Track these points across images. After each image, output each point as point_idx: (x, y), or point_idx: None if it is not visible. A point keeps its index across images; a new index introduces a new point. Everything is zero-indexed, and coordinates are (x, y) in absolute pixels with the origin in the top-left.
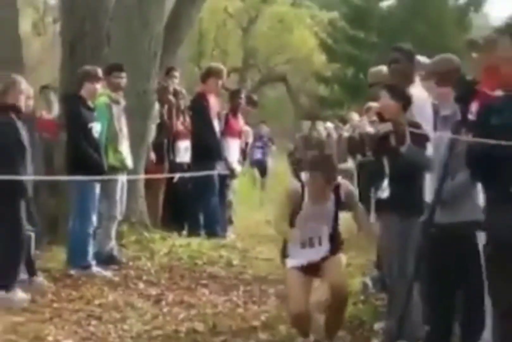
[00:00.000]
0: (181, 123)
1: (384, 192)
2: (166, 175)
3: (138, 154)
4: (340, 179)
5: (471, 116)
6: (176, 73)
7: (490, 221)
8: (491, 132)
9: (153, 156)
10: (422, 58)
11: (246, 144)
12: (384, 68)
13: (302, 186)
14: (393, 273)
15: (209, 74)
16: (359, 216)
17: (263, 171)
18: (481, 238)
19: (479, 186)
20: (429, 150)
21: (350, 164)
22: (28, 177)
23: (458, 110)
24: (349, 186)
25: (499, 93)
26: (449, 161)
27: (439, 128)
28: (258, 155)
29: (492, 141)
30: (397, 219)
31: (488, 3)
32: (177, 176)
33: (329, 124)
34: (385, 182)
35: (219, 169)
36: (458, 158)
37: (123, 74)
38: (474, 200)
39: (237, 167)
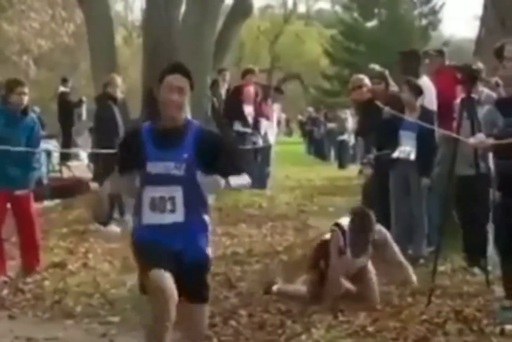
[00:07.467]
0: None
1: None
2: None
3: None
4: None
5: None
6: (226, 72)
7: None
8: None
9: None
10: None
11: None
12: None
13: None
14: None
15: (246, 72)
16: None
17: None
18: None
19: None
20: None
21: (346, 136)
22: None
23: None
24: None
25: None
26: None
27: None
28: None
29: None
30: None
31: (442, 24)
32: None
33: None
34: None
35: (254, 140)
36: None
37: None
38: None
39: (271, 139)
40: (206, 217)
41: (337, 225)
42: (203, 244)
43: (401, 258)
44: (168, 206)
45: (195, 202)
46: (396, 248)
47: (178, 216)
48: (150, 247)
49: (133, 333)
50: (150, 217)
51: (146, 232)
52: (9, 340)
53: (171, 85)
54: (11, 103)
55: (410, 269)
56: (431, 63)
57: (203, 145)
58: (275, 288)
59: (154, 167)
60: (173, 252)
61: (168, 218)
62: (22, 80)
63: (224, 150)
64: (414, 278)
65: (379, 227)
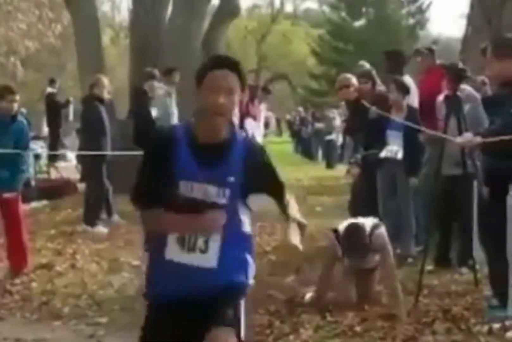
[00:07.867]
0: None
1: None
2: None
3: None
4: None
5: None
6: None
7: None
8: None
9: None
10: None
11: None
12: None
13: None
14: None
15: None
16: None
17: None
18: None
19: None
20: None
21: (333, 136)
22: (107, 152)
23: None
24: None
25: None
26: None
27: None
28: None
29: None
30: None
31: (430, 23)
32: None
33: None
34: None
35: None
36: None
37: (177, 74)
38: None
39: (258, 140)
40: (249, 257)
41: (335, 231)
42: (239, 293)
43: (393, 277)
44: (200, 243)
45: (235, 239)
46: (392, 266)
47: (210, 260)
48: (162, 329)
49: (120, 334)
50: (175, 253)
51: (165, 287)
52: None
53: (216, 84)
54: (1, 110)
55: (401, 297)
56: (423, 61)
57: (251, 165)
58: (307, 296)
59: (189, 189)
60: (197, 311)
61: (197, 260)
62: (14, 88)
63: (271, 171)
64: (403, 315)
65: (379, 231)
